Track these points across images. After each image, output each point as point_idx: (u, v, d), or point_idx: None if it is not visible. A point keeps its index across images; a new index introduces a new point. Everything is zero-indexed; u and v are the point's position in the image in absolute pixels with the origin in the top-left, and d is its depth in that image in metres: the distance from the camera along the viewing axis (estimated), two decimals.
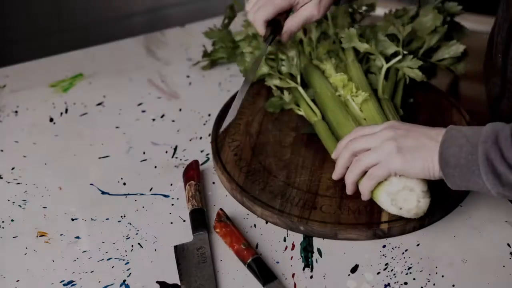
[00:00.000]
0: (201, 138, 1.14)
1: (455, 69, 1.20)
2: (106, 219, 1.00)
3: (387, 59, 1.13)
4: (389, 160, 0.90)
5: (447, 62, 1.20)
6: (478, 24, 1.84)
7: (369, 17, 1.27)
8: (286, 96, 1.14)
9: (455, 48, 1.18)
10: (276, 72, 1.14)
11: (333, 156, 1.00)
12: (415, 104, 1.16)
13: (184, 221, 0.99)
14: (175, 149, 1.12)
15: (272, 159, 1.06)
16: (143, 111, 1.21)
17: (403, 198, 0.91)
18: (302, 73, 1.15)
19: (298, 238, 0.96)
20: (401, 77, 1.15)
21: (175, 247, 0.94)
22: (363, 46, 1.13)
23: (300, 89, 1.13)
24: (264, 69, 1.15)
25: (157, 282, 0.91)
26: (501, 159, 0.81)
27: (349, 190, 0.96)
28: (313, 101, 1.12)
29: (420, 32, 1.16)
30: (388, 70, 1.13)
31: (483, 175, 0.83)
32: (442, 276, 0.91)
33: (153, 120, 1.19)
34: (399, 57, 1.12)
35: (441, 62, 1.19)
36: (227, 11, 1.28)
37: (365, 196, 0.94)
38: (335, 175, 0.98)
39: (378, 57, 1.13)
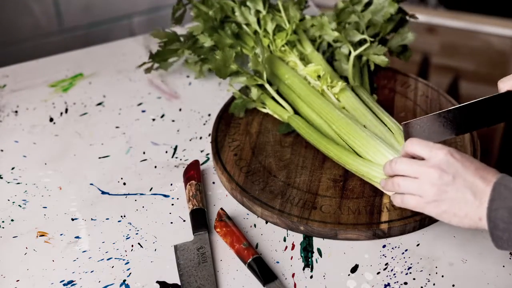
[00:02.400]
0: (201, 138, 1.14)
1: (403, 57, 1.21)
2: (106, 219, 1.00)
3: (354, 46, 1.15)
4: (426, 205, 0.87)
5: (396, 50, 1.21)
6: (478, 25, 1.85)
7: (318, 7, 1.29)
8: (254, 93, 1.13)
9: (409, 36, 1.19)
10: (242, 69, 1.13)
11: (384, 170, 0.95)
12: (414, 104, 1.16)
13: (184, 221, 0.99)
14: (175, 149, 1.12)
15: (272, 159, 1.06)
16: (143, 111, 1.21)
17: None
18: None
19: (298, 238, 0.96)
20: (364, 63, 1.17)
21: (175, 246, 0.94)
22: (333, 34, 1.15)
23: (267, 86, 1.13)
24: (232, 67, 1.13)
25: (157, 282, 0.91)
26: None
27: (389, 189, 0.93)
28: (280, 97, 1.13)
29: (376, 19, 1.18)
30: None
31: None
32: (442, 276, 0.91)
33: (153, 120, 1.19)
34: (367, 45, 1.14)
35: (391, 49, 1.21)
36: (174, 6, 1.24)
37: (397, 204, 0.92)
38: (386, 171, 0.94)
39: (346, 44, 1.14)
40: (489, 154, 1.83)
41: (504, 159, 1.84)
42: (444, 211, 0.85)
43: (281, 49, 1.16)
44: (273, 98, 1.13)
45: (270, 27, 1.18)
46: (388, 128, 1.02)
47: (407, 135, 0.93)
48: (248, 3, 1.21)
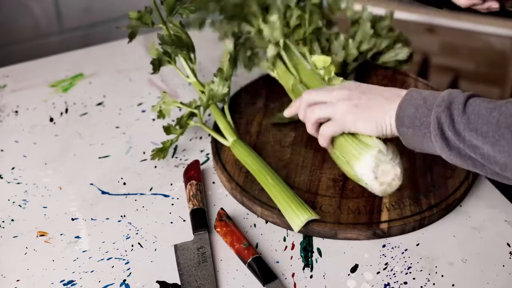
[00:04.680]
0: (201, 138, 1.14)
1: (399, 67, 1.25)
2: (106, 219, 1.00)
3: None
4: (342, 117, 0.93)
5: (392, 64, 1.24)
6: (478, 25, 1.84)
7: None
8: (271, 51, 1.14)
9: (401, 52, 1.22)
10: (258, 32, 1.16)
11: (286, 111, 1.04)
12: None
13: (184, 221, 0.99)
14: (175, 149, 1.12)
15: (272, 159, 1.06)
16: (143, 111, 1.21)
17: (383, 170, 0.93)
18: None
19: (298, 238, 0.96)
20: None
21: (175, 246, 0.94)
22: (354, 54, 1.19)
23: (283, 52, 1.14)
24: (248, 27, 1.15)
25: (157, 282, 0.91)
26: (450, 124, 0.82)
27: (309, 131, 1.00)
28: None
29: (368, 36, 1.22)
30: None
31: (433, 137, 0.84)
32: (442, 276, 0.91)
33: (153, 120, 1.19)
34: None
35: (385, 63, 1.24)
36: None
37: (324, 145, 0.99)
38: (286, 112, 1.04)
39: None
40: None
41: None
42: (360, 118, 0.92)
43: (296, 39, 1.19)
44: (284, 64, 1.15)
45: (294, 22, 1.19)
46: None
47: None
48: None
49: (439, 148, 0.85)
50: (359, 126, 0.93)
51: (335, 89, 0.96)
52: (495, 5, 1.03)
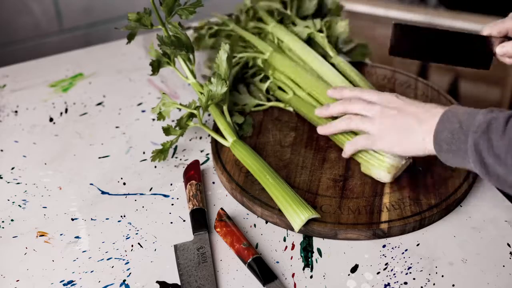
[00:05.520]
0: (201, 138, 1.14)
1: (365, 58, 1.28)
2: (106, 219, 1.00)
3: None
4: (376, 138, 0.95)
5: (357, 56, 1.27)
6: (478, 24, 1.84)
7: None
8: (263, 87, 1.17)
9: (341, 26, 1.23)
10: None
11: (318, 109, 1.05)
12: None
13: (184, 221, 0.99)
14: (175, 149, 1.12)
15: (272, 159, 1.06)
16: (143, 111, 1.21)
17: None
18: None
19: (298, 238, 0.96)
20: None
21: (175, 246, 0.94)
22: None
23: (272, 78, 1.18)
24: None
25: (157, 282, 0.91)
26: (489, 149, 0.81)
27: (324, 131, 1.03)
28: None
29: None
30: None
31: (472, 163, 0.84)
32: (442, 276, 0.91)
33: (153, 120, 1.19)
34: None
35: (351, 53, 1.26)
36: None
37: (345, 155, 1.03)
38: (319, 111, 1.04)
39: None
40: None
41: None
42: (391, 141, 0.94)
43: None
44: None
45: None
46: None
47: (393, 36, 1.00)
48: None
49: (479, 173, 0.83)
50: (395, 150, 0.94)
51: (375, 99, 0.96)
52: None
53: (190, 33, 1.33)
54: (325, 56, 1.17)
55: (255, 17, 1.26)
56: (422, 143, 0.90)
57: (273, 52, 1.17)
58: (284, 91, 1.16)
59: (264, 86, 1.17)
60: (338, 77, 1.10)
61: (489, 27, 0.97)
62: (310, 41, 1.20)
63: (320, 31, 1.20)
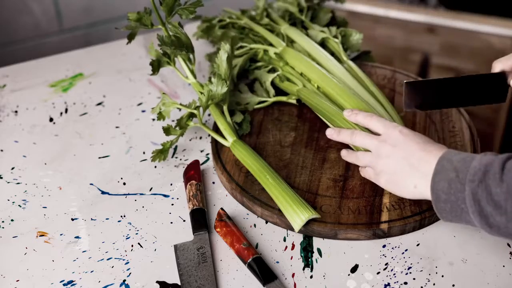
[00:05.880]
0: (201, 138, 1.14)
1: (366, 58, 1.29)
2: (106, 219, 1.00)
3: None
4: (377, 176, 0.96)
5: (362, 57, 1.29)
6: (478, 24, 1.84)
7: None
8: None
9: (356, 36, 1.24)
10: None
11: (329, 131, 1.03)
12: None
13: (184, 221, 0.99)
14: (175, 149, 1.12)
15: (272, 159, 1.06)
16: (143, 111, 1.21)
17: None
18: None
19: (298, 238, 0.96)
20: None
21: (175, 246, 0.94)
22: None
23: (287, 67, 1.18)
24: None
25: (157, 282, 0.91)
26: (487, 198, 0.79)
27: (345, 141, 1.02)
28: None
29: None
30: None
31: (471, 214, 0.81)
32: (442, 276, 0.91)
33: (153, 120, 1.19)
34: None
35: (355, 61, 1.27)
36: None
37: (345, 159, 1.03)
38: (330, 133, 1.02)
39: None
40: None
41: None
42: (387, 180, 0.94)
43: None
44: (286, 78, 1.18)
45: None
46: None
47: (405, 94, 0.99)
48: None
49: (479, 225, 0.81)
50: (389, 188, 0.95)
51: (381, 131, 0.95)
52: None
53: (199, 23, 1.33)
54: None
55: (268, 17, 1.28)
56: (413, 191, 0.90)
57: (286, 47, 1.18)
58: (293, 82, 1.16)
59: (271, 77, 1.17)
60: (349, 79, 1.11)
61: (501, 63, 0.96)
62: (322, 46, 1.21)
63: (335, 37, 1.21)
